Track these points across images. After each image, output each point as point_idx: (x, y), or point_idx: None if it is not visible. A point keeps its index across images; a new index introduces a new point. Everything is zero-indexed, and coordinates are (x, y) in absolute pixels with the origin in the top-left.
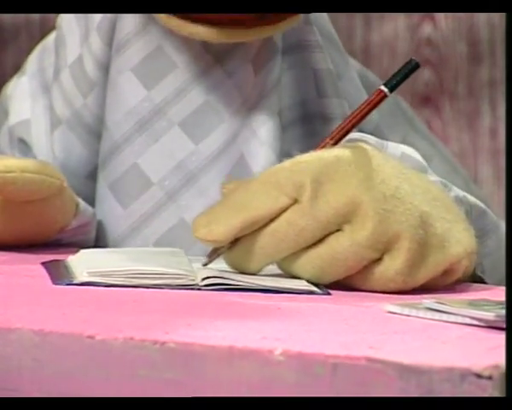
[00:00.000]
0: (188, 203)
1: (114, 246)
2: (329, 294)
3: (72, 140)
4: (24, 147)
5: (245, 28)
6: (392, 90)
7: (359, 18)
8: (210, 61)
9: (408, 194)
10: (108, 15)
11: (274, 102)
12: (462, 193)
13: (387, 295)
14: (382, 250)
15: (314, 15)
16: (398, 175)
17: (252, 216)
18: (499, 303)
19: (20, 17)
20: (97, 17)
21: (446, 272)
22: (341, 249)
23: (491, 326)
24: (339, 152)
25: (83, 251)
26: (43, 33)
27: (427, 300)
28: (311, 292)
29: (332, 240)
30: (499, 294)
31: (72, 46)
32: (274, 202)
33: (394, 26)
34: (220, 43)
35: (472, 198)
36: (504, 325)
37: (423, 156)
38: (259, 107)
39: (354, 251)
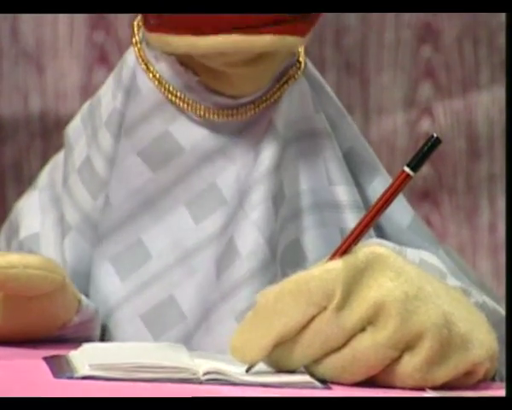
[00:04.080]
0: (179, 280)
1: (107, 316)
2: (330, 388)
3: (82, 245)
4: None
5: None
6: (415, 169)
7: (358, 113)
8: (216, 146)
9: (430, 294)
10: (117, 108)
11: (270, 187)
12: (481, 298)
13: (388, 389)
14: (404, 349)
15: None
16: (420, 276)
17: (281, 334)
18: None
19: (20, 113)
20: (105, 114)
21: (468, 374)
22: (362, 349)
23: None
24: (363, 257)
25: (85, 345)
26: (43, 130)
27: None
28: (312, 386)
29: (354, 341)
30: None
31: (79, 151)
32: (303, 316)
33: (393, 122)
34: (226, 129)
35: (491, 303)
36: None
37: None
38: (254, 190)
39: (375, 351)
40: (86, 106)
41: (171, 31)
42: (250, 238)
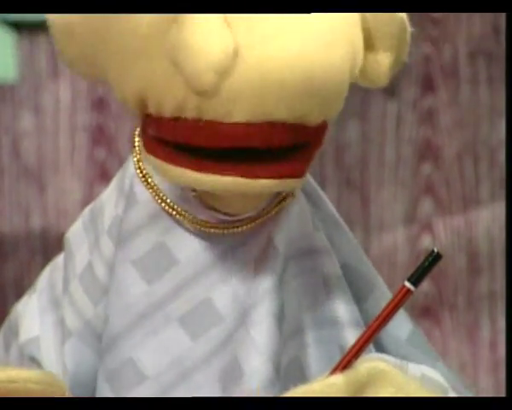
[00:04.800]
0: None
1: None
2: None
3: (83, 351)
4: (35, 366)
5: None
6: (416, 284)
7: (358, 229)
8: (212, 260)
9: None
10: (118, 216)
11: (273, 304)
12: None
13: None
14: None
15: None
16: (421, 392)
17: None
18: None
19: (20, 230)
20: (107, 222)
21: None
22: None
23: None
24: (364, 372)
25: None
26: (44, 247)
27: None
28: None
29: None
30: None
31: (80, 257)
32: None
33: (393, 238)
34: (223, 242)
35: None
36: None
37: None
38: (256, 308)
39: None
40: (87, 211)
41: (170, 161)
42: (253, 357)
